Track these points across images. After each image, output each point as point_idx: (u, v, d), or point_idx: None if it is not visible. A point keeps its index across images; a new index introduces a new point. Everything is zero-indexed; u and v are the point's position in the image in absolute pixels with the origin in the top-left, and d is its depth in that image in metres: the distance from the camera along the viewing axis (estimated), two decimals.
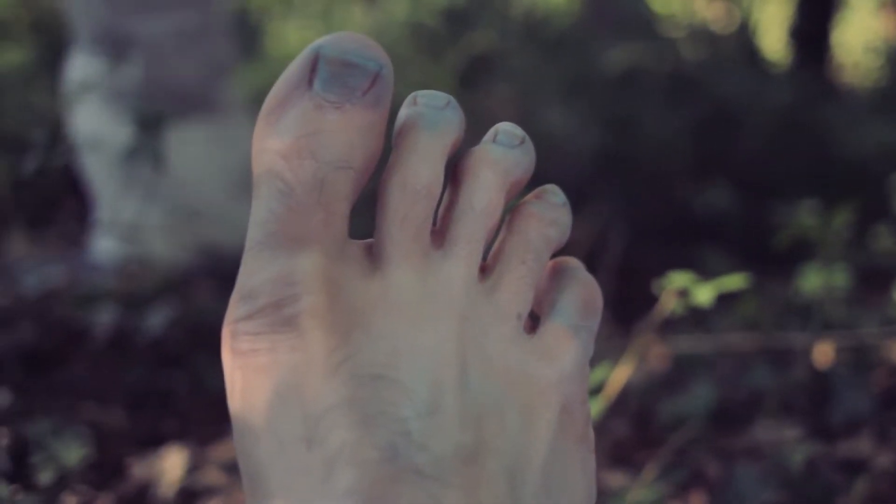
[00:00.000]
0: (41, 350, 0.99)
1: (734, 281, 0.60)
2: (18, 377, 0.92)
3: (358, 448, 0.31)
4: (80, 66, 1.31)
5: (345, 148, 0.34)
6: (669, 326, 0.95)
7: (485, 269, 0.38)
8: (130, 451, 0.80)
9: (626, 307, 1.03)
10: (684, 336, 0.95)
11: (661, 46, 2.07)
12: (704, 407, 0.84)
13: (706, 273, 0.68)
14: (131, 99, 1.26)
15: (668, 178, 1.61)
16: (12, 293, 1.11)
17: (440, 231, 0.37)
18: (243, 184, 1.32)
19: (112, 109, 1.27)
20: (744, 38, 2.25)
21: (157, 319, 0.96)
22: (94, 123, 1.28)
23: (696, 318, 1.02)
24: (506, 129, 0.39)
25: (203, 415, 0.89)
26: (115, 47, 1.27)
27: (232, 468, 0.77)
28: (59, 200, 1.56)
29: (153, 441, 0.82)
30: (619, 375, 0.63)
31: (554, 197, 0.40)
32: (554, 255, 0.40)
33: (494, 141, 0.39)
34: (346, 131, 0.34)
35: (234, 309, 0.33)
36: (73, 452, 0.72)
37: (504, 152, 0.38)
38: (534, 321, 0.39)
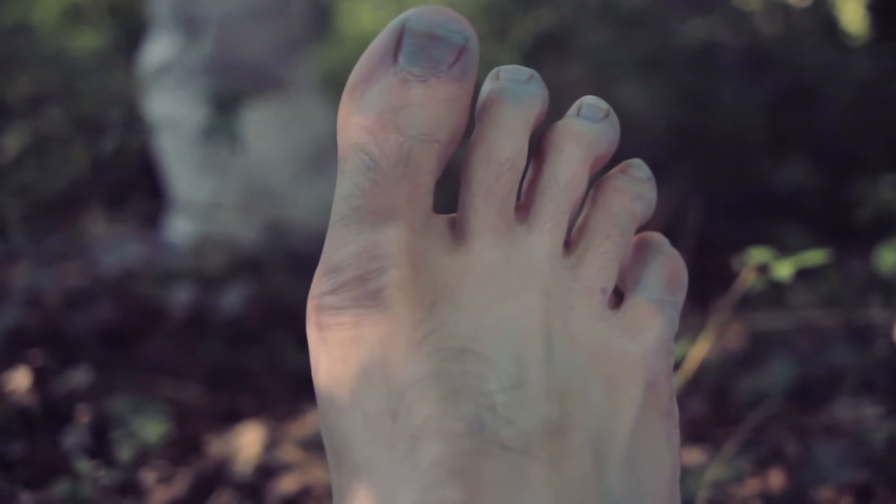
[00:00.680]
0: (120, 328, 1.00)
1: (814, 256, 0.59)
2: (99, 355, 0.93)
3: (443, 421, 0.31)
4: (159, 48, 1.32)
5: (430, 122, 0.34)
6: (747, 303, 0.94)
7: (569, 244, 0.38)
8: (208, 428, 0.81)
9: (704, 283, 1.02)
10: (762, 313, 0.94)
11: (737, 20, 2.04)
12: (783, 384, 0.83)
13: (785, 249, 0.66)
14: (205, 79, 1.27)
15: (746, 153, 1.59)
16: (92, 273, 1.12)
17: (524, 206, 0.37)
18: (314, 163, 1.32)
19: (187, 90, 1.28)
20: (821, 11, 2.21)
21: (233, 298, 0.97)
22: (170, 104, 1.29)
23: (774, 295, 1.01)
24: (590, 102, 0.39)
25: (279, 392, 0.90)
26: (189, 27, 1.28)
27: (308, 445, 0.77)
28: (135, 181, 1.58)
29: (230, 418, 0.83)
30: (697, 352, 0.62)
31: (639, 171, 0.40)
32: (638, 231, 0.40)
33: (578, 115, 0.39)
34: (431, 105, 0.34)
35: (319, 283, 0.34)
36: (153, 429, 0.73)
37: (588, 126, 0.38)
38: (618, 297, 0.38)
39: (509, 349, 0.33)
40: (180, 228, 1.29)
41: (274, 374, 0.93)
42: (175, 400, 0.85)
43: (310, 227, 1.20)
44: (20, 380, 0.80)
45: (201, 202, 1.23)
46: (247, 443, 0.77)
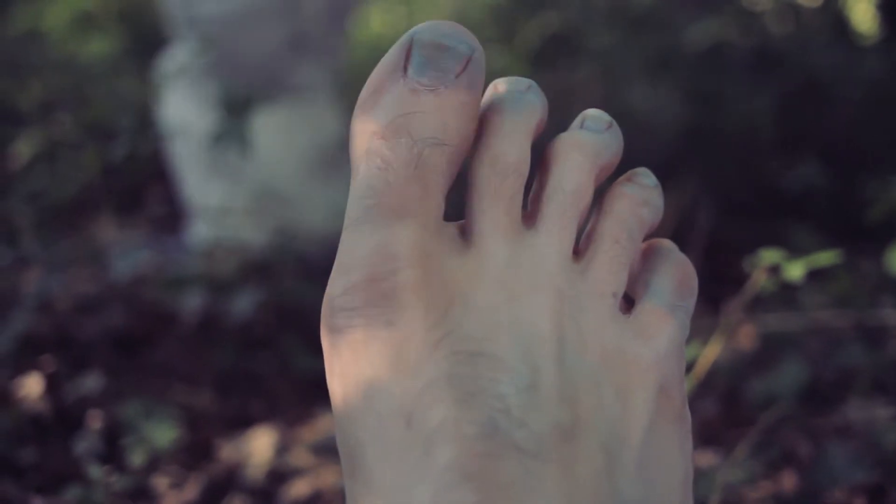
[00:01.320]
0: (132, 333, 1.01)
1: (825, 257, 0.59)
2: (110, 361, 0.93)
3: (457, 424, 0.31)
4: (175, 55, 1.32)
5: (440, 126, 0.35)
6: (758, 304, 0.94)
7: (578, 252, 0.38)
8: (220, 433, 0.81)
9: (714, 285, 1.02)
10: (774, 314, 0.94)
11: (747, 20, 2.03)
12: (795, 386, 0.83)
13: (795, 249, 0.66)
14: (214, 83, 1.27)
15: (756, 153, 1.59)
16: (103, 278, 1.13)
17: (531, 214, 0.37)
18: (325, 167, 1.32)
19: (198, 94, 1.28)
20: (831, 10, 2.20)
21: (244, 302, 0.97)
22: (181, 109, 1.29)
23: (785, 296, 1.00)
24: (593, 114, 0.40)
25: (291, 396, 0.90)
26: (199, 29, 1.28)
27: (320, 449, 0.77)
28: (146, 186, 1.58)
29: (242, 423, 0.83)
30: (708, 354, 0.62)
31: (645, 178, 0.40)
32: (646, 238, 0.40)
33: (582, 127, 0.39)
34: (440, 112, 0.34)
35: (332, 286, 0.34)
36: (164, 434, 0.74)
37: (592, 136, 0.39)
38: (628, 303, 0.39)
39: (523, 351, 0.33)
40: (192, 233, 1.30)
41: (285, 379, 0.93)
42: (186, 405, 0.86)
43: (320, 231, 1.20)
44: (32, 385, 0.80)
45: (212, 206, 1.23)
46: (258, 447, 0.77)
